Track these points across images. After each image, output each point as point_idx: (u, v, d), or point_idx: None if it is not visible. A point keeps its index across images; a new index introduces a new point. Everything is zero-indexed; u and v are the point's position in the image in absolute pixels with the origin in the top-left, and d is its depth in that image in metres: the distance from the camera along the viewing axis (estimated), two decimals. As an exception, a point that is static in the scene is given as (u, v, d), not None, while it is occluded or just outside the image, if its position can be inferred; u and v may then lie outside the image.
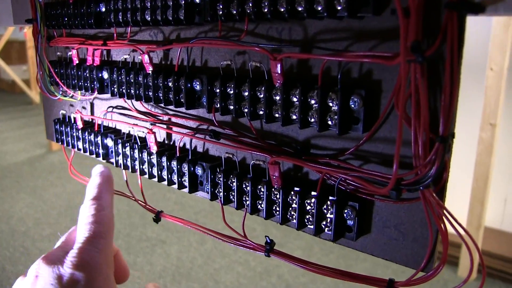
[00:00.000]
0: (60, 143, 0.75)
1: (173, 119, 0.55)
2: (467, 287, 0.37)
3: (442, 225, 0.35)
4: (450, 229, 0.35)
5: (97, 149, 0.67)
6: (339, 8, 0.35)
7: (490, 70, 1.72)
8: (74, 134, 0.71)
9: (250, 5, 0.40)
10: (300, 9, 0.37)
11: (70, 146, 0.73)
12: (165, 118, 0.56)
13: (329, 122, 0.38)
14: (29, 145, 3.54)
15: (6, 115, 4.39)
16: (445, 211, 0.35)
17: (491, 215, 2.02)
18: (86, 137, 0.68)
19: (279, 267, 1.84)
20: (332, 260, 1.91)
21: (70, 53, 0.68)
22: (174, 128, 0.55)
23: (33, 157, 3.25)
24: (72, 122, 0.72)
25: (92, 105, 0.70)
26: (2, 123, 4.13)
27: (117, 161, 0.63)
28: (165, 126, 0.56)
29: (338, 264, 1.90)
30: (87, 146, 0.69)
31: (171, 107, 0.54)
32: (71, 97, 0.71)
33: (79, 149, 0.71)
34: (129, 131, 0.63)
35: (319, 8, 0.36)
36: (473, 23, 1.88)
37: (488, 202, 1.82)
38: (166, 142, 0.57)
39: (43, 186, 2.71)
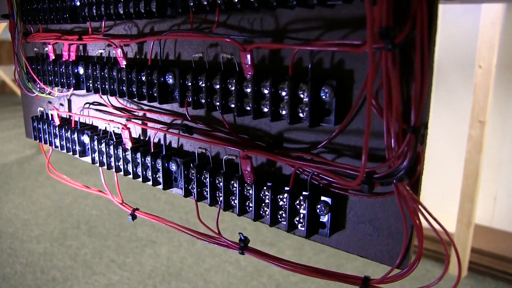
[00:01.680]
0: (38, 140, 0.74)
1: (148, 114, 0.54)
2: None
3: (417, 220, 0.34)
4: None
5: (74, 146, 0.65)
6: (308, -4, 0.34)
7: (478, 67, 1.72)
8: (51, 131, 0.70)
9: (220, -5, 0.39)
10: (270, -2, 0.36)
11: (48, 144, 0.71)
12: (140, 113, 0.55)
13: (301, 115, 0.36)
14: (19, 145, 3.50)
15: (-4, 115, 4.36)
16: (420, 206, 0.34)
17: (481, 213, 2.02)
18: (63, 134, 0.67)
19: (269, 266, 1.82)
20: (323, 259, 1.90)
21: (46, 48, 0.66)
22: (149, 124, 0.53)
23: (23, 157, 3.22)
24: (50, 119, 0.71)
25: (69, 101, 0.69)
26: (-9, 124, 4.09)
27: (93, 158, 0.61)
28: (139, 122, 0.54)
29: (329, 263, 1.89)
30: (64, 144, 0.67)
31: (146, 102, 0.52)
32: (48, 93, 0.70)
33: (56, 147, 0.69)
34: (105, 127, 0.61)
35: (289, -3, 0.35)
36: (461, 20, 1.87)
37: (478, 199, 1.81)
38: (142, 138, 0.56)
39: (32, 187, 2.68)
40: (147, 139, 0.55)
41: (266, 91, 0.38)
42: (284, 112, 0.37)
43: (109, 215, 2.18)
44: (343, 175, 0.36)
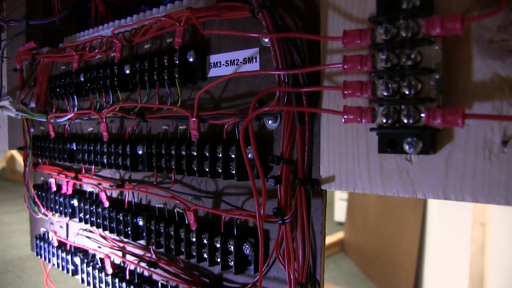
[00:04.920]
0: (39, 257, 0.84)
1: (126, 246, 0.63)
2: None
3: None
4: None
5: (68, 266, 0.75)
6: (233, 172, 0.45)
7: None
8: (50, 251, 0.80)
9: (173, 163, 0.50)
10: (207, 169, 0.47)
11: (47, 261, 0.81)
12: (121, 245, 0.64)
13: (230, 263, 0.46)
14: (37, 238, 3.61)
15: (17, 206, 4.50)
16: None
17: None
18: (60, 255, 0.77)
19: None
20: None
21: (50, 180, 0.78)
22: (126, 255, 0.63)
23: (39, 250, 3.32)
24: (50, 239, 0.81)
25: (67, 225, 0.79)
26: (12, 215, 4.22)
27: (82, 279, 0.71)
28: (120, 253, 0.64)
29: None
30: (60, 262, 0.77)
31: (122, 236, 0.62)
32: (49, 218, 0.80)
33: (53, 265, 0.79)
34: (94, 252, 0.71)
35: (220, 171, 0.46)
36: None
37: None
38: (122, 265, 0.65)
39: (44, 282, 2.75)
40: (125, 266, 0.65)
41: (205, 241, 0.48)
42: (218, 260, 0.47)
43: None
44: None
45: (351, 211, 2.74)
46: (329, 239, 2.72)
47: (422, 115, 0.30)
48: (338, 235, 2.81)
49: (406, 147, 0.32)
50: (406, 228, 2.19)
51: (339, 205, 3.26)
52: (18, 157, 4.67)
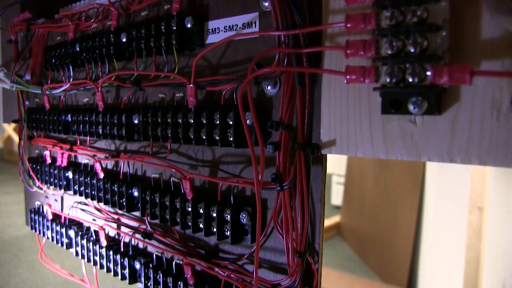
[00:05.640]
0: (34, 231, 0.83)
1: (121, 218, 0.62)
2: None
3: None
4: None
5: (62, 239, 0.74)
6: (230, 139, 0.43)
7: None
8: (45, 224, 0.79)
9: (169, 131, 0.49)
10: (204, 137, 0.45)
11: (42, 235, 0.80)
12: (116, 217, 0.63)
13: (226, 233, 0.45)
14: (34, 218, 3.60)
15: (15, 187, 4.49)
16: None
17: (490, 301, 1.97)
18: (54, 228, 0.76)
19: None
20: None
21: (45, 152, 0.77)
22: (121, 226, 0.62)
23: (36, 230, 3.31)
24: (45, 213, 0.80)
25: (62, 198, 0.78)
26: (10, 196, 4.22)
27: (77, 251, 0.70)
28: (114, 225, 0.63)
29: None
30: (55, 236, 0.76)
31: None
32: (44, 191, 0.79)
33: (48, 238, 0.78)
34: (89, 226, 0.70)
35: (217, 138, 0.44)
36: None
37: (483, 286, 1.79)
38: (116, 237, 0.65)
39: (39, 255, 2.74)
40: (120, 238, 0.64)
41: (201, 211, 0.47)
42: (214, 230, 0.46)
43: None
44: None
45: (348, 195, 2.73)
46: (326, 223, 2.72)
47: (428, 73, 0.29)
48: (335, 219, 2.81)
49: (411, 107, 0.30)
50: (402, 212, 2.19)
51: (336, 189, 3.25)
52: (16, 137, 4.65)
